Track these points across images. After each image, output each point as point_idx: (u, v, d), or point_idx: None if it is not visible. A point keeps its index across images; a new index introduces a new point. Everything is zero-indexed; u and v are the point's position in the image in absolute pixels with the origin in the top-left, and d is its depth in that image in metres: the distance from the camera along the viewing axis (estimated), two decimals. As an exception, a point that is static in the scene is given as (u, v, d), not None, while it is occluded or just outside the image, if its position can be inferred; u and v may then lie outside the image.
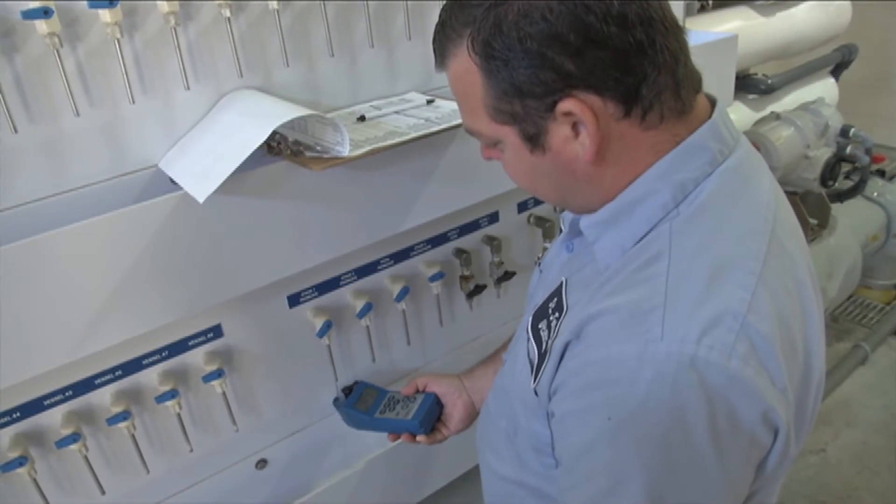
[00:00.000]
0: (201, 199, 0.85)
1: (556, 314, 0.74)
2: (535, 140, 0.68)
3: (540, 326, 0.76)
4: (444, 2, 0.70)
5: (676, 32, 0.66)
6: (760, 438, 0.63)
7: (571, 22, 0.61)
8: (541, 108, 0.65)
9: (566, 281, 0.76)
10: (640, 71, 0.63)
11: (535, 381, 0.73)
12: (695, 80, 0.69)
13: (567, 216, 0.83)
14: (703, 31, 1.70)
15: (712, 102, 0.72)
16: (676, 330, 0.60)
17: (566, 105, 0.63)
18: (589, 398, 0.65)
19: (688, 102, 0.68)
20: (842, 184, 2.46)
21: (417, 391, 1.16)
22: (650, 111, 0.65)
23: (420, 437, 1.11)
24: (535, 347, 0.75)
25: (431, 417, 1.11)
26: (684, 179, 0.67)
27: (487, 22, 0.63)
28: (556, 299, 0.76)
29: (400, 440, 1.13)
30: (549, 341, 0.72)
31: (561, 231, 0.88)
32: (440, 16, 0.70)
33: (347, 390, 1.23)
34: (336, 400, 1.25)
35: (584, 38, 0.61)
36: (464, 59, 0.67)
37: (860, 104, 2.68)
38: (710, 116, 0.70)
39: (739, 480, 0.66)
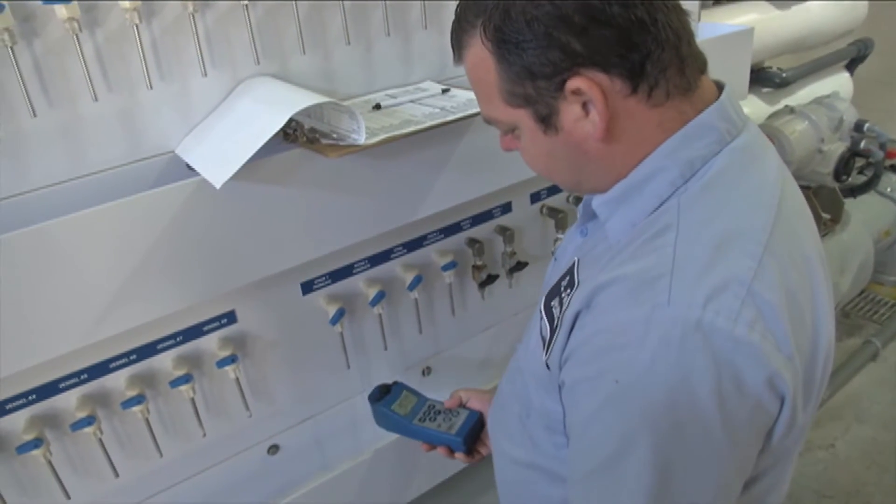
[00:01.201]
0: (218, 185, 0.86)
1: (568, 290, 0.75)
2: (547, 121, 0.70)
3: (552, 304, 0.78)
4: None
5: (678, 12, 0.69)
6: (766, 404, 0.64)
7: (575, 3, 0.64)
8: (551, 87, 0.68)
9: (578, 260, 0.78)
10: (643, 47, 0.66)
11: (546, 353, 0.75)
12: (699, 60, 0.72)
13: (582, 207, 0.84)
14: (718, 24, 1.70)
15: (720, 88, 0.74)
16: (683, 295, 0.62)
17: (575, 83, 0.66)
18: (598, 364, 0.66)
19: (693, 80, 0.70)
20: (855, 179, 2.45)
21: (461, 405, 1.14)
22: (656, 87, 0.68)
23: (459, 455, 1.10)
24: (548, 324, 0.77)
25: (474, 436, 1.10)
26: (692, 157, 0.69)
27: (497, 10, 0.67)
28: (568, 277, 0.78)
29: (435, 451, 1.12)
30: (561, 315, 0.74)
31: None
32: (455, 12, 0.73)
33: (385, 389, 1.19)
34: (373, 397, 1.20)
35: (588, 18, 0.64)
36: (478, 48, 0.70)
37: (875, 99, 2.67)
38: (717, 99, 0.72)
39: (745, 446, 0.67)
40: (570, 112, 0.69)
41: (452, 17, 0.75)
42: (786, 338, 0.64)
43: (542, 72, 0.67)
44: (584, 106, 0.68)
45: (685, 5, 0.72)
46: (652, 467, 0.63)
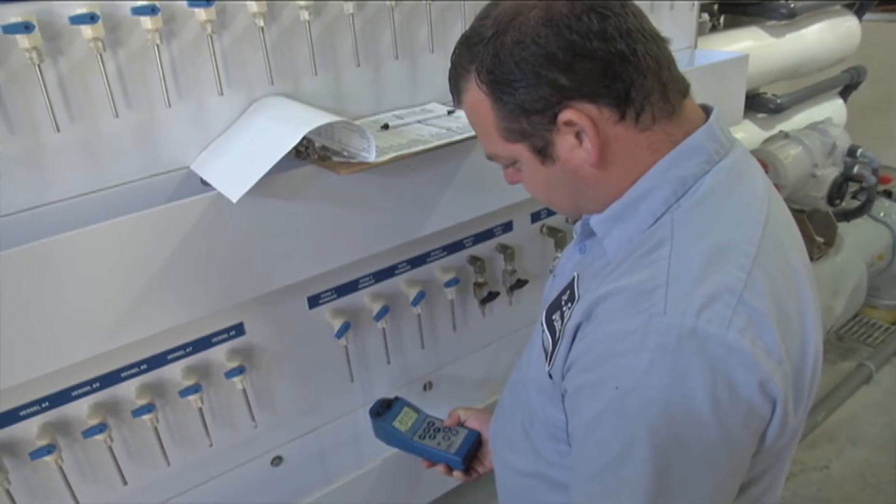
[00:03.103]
0: (235, 200, 0.89)
1: (569, 304, 0.79)
2: (544, 152, 0.75)
3: (553, 318, 0.81)
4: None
5: (657, 41, 0.73)
6: (758, 408, 0.67)
7: (558, 42, 0.69)
8: (544, 121, 0.72)
9: (578, 275, 0.82)
10: (626, 77, 0.70)
11: (549, 364, 0.79)
12: (681, 84, 0.76)
13: (579, 226, 0.88)
14: (714, 51, 1.74)
15: (707, 112, 0.78)
16: (678, 305, 0.66)
17: (566, 115, 0.71)
18: (598, 371, 0.69)
19: (676, 104, 0.74)
20: (848, 203, 2.49)
21: (460, 423, 1.17)
22: (642, 113, 0.72)
23: (457, 473, 1.12)
24: (550, 336, 0.80)
25: (472, 455, 1.12)
26: (684, 175, 0.73)
27: (488, 55, 0.72)
28: (568, 292, 0.81)
29: (434, 467, 1.14)
30: (562, 327, 0.77)
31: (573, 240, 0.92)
32: (451, 60, 0.79)
33: (386, 403, 1.21)
34: (374, 411, 1.20)
35: (572, 54, 0.69)
36: (474, 91, 0.76)
37: (868, 125, 2.71)
38: (705, 122, 0.76)
39: (740, 449, 0.69)
40: (564, 142, 0.73)
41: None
42: (775, 344, 0.67)
43: (534, 107, 0.71)
44: (577, 135, 0.72)
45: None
46: (651, 469, 0.66)
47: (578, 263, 0.85)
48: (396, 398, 1.22)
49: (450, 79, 0.80)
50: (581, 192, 0.78)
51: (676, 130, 0.74)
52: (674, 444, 0.66)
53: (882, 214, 2.77)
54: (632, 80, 0.70)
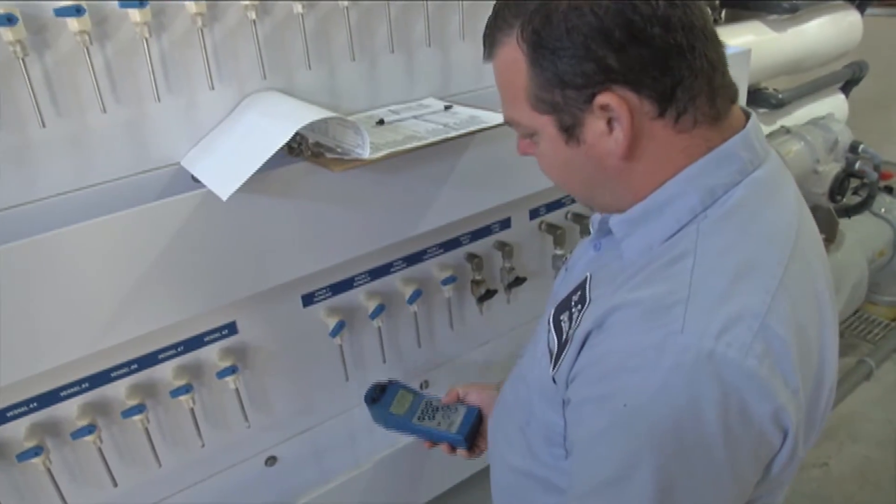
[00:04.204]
0: (225, 197, 0.87)
1: (579, 306, 0.76)
2: (571, 131, 0.70)
3: (562, 318, 0.78)
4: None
5: (716, 43, 0.69)
6: (769, 437, 0.65)
7: (618, 19, 0.64)
8: (580, 99, 0.67)
9: (590, 276, 0.78)
10: (677, 73, 0.66)
11: (554, 368, 0.75)
12: (731, 91, 0.72)
13: (596, 218, 0.85)
14: (716, 45, 1.72)
15: (746, 116, 0.74)
16: (697, 324, 0.62)
17: (604, 98, 0.66)
18: (607, 386, 0.67)
19: (723, 111, 0.70)
20: (850, 199, 2.47)
21: (459, 400, 1.14)
22: (684, 114, 0.68)
23: (461, 451, 1.09)
24: (556, 338, 0.77)
25: (475, 431, 1.10)
26: (714, 185, 0.69)
27: (539, 13, 0.67)
28: (579, 293, 0.78)
29: (437, 447, 1.11)
30: (571, 331, 0.74)
31: (590, 233, 0.90)
32: (494, 9, 0.73)
33: (381, 389, 1.18)
34: (370, 397, 1.18)
35: (628, 36, 0.64)
36: (512, 49, 0.70)
37: (869, 121, 2.69)
38: (743, 128, 0.72)
39: (746, 475, 0.67)
40: (594, 126, 0.69)
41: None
42: (793, 373, 0.64)
43: (573, 82, 0.67)
44: (609, 122, 0.68)
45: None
46: (654, 489, 0.64)
47: (592, 261, 0.83)
48: (391, 381, 1.19)
49: (487, 28, 0.74)
50: (599, 183, 0.74)
51: (716, 136, 0.70)
52: (680, 466, 0.64)
53: (883, 211, 2.75)
54: (682, 77, 0.66)
